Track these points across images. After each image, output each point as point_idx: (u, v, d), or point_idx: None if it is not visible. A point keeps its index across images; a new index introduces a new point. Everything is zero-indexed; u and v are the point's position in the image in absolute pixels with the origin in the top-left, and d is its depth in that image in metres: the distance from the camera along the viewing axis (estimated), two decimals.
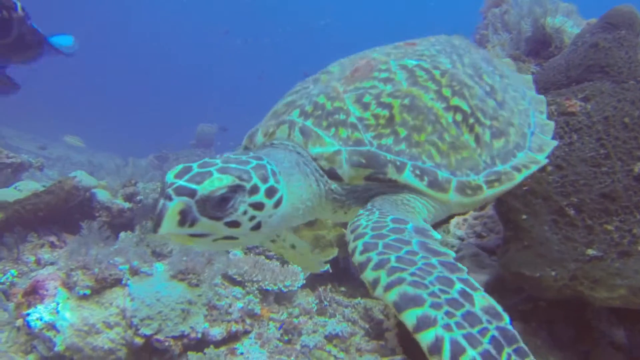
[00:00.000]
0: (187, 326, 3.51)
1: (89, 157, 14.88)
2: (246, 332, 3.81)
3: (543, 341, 1.97)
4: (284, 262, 4.63)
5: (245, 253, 4.72)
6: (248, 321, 3.82)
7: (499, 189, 1.83)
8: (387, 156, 1.72)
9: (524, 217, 2.33)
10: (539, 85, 3.28)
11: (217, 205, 1.50)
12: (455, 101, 1.89)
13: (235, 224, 1.55)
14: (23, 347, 3.44)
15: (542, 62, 4.31)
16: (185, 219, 1.46)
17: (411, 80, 1.90)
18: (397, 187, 1.75)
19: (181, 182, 1.48)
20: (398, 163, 1.71)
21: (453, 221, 3.12)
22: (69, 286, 3.62)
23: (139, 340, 3.41)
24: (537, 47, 4.51)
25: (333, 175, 1.78)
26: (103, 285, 3.61)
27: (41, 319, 3.43)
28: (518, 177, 1.87)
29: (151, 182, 6.59)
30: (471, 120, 1.89)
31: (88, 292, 3.55)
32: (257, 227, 1.60)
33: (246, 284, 4.09)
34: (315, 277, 4.44)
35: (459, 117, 1.86)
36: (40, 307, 3.49)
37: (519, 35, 4.69)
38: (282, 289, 4.13)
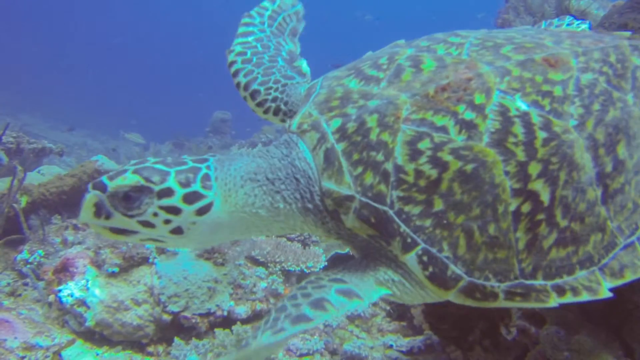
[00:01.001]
0: (213, 304, 3.57)
1: (105, 144, 15.05)
2: (270, 311, 3.87)
3: (575, 314, 1.99)
4: (305, 244, 4.68)
5: (267, 235, 4.79)
6: (272, 300, 3.89)
7: (519, 304, 1.50)
8: (400, 227, 1.46)
9: None
10: None
11: (123, 203, 1.52)
12: (537, 185, 1.45)
13: (148, 224, 1.55)
14: (56, 321, 3.53)
15: None
16: (100, 211, 1.52)
17: (497, 137, 1.45)
18: (396, 260, 1.53)
19: (102, 177, 1.54)
20: (409, 240, 1.46)
21: None
22: (98, 264, 3.70)
23: (167, 317, 3.49)
24: None
25: (335, 216, 1.59)
26: (131, 264, 3.69)
27: (72, 295, 3.52)
28: (552, 302, 1.47)
29: None
30: (540, 217, 1.46)
31: (116, 269, 3.63)
32: (177, 231, 1.57)
33: (269, 264, 4.15)
34: (337, 259, 4.49)
35: (526, 208, 1.45)
36: (70, 283, 3.58)
37: (543, 19, 4.66)
38: (305, 270, 4.19)
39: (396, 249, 1.48)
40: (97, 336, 3.52)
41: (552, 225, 1.45)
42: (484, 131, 1.45)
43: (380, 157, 1.49)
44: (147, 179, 1.52)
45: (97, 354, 3.41)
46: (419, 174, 1.45)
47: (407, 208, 1.46)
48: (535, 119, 1.47)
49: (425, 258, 1.45)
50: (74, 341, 2.83)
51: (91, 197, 1.53)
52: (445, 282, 1.46)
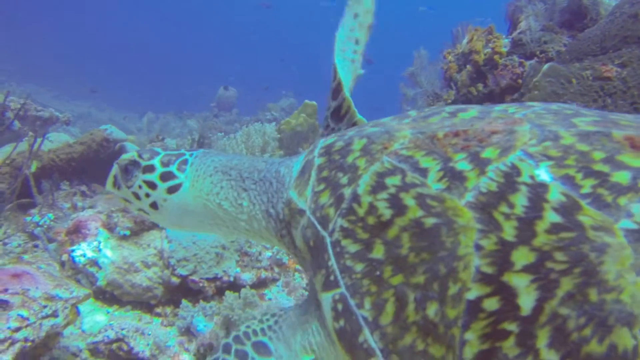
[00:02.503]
0: (220, 269, 3.70)
1: (111, 116, 15.09)
2: (274, 280, 4.01)
3: None
4: None
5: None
6: (276, 269, 4.02)
7: None
8: (330, 259, 1.26)
9: None
10: (571, 56, 3.34)
11: (123, 174, 1.80)
12: (518, 280, 0.98)
13: (137, 196, 1.79)
14: (70, 279, 3.66)
15: (575, 34, 4.34)
16: (115, 182, 1.85)
17: (485, 201, 1.07)
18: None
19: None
20: (332, 278, 1.25)
21: None
22: (110, 227, 3.82)
23: (175, 280, 3.62)
24: (572, 18, 4.53)
25: (289, 230, 1.54)
26: (141, 228, 3.81)
27: (84, 256, 3.65)
28: None
29: (178, 138, 6.75)
30: (509, 327, 0.98)
31: (128, 232, 3.75)
32: (154, 206, 1.79)
33: None
34: None
35: (490, 305, 1.00)
36: (83, 244, 3.70)
37: (554, 6, 4.71)
38: None
39: (318, 283, 1.30)
40: (107, 295, 3.65)
41: (524, 348, 0.96)
42: (471, 188, 1.09)
43: (344, 180, 1.32)
44: (139, 156, 1.79)
45: (108, 312, 3.55)
46: (371, 209, 1.21)
47: (344, 242, 1.24)
48: (554, 195, 1.00)
49: (339, 306, 1.21)
50: (90, 295, 2.95)
51: (113, 169, 1.85)
52: (353, 348, 1.19)
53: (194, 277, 3.63)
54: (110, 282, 3.59)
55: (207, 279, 3.66)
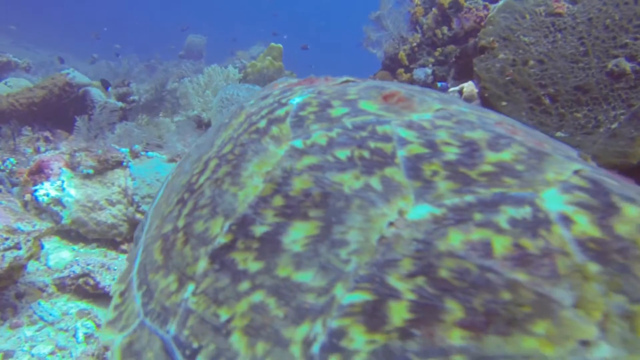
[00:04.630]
0: None
1: (75, 65, 14.58)
2: None
3: None
4: None
5: None
6: None
7: None
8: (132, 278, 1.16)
9: (504, 103, 2.55)
10: None
11: None
12: None
13: None
14: (34, 217, 3.68)
15: None
16: None
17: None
18: None
19: None
20: None
21: None
22: (73, 166, 3.82)
23: (140, 217, 3.67)
24: None
25: None
26: (105, 167, 3.82)
27: (48, 195, 3.65)
28: None
29: (143, 83, 6.63)
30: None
31: (91, 171, 3.75)
32: None
33: None
34: None
35: None
36: (46, 184, 3.70)
37: None
38: None
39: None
40: (73, 234, 3.69)
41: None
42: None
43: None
44: None
45: (74, 249, 3.60)
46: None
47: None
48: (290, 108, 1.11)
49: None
50: (53, 229, 2.99)
51: None
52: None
53: None
54: (74, 220, 3.62)
55: None
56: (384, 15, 5.81)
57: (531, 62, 2.69)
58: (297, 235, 0.85)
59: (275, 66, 5.55)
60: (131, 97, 6.17)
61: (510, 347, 0.65)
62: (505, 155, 0.84)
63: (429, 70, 5.12)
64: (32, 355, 2.69)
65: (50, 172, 3.79)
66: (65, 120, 6.17)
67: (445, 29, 5.29)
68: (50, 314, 2.97)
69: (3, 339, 2.68)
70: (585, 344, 0.63)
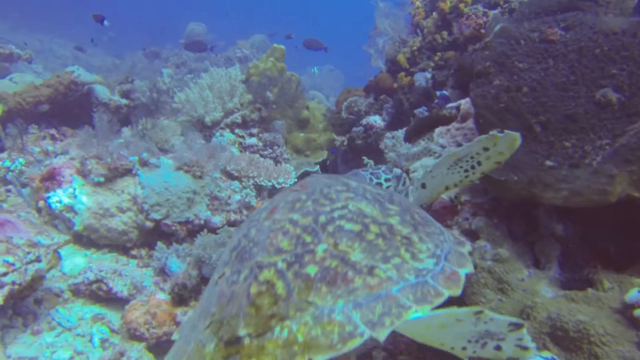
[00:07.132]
0: (191, 213, 3.93)
1: (72, 52, 14.56)
2: (243, 222, 4.26)
3: (502, 233, 2.42)
4: (277, 162, 5.02)
5: (241, 151, 5.11)
6: (245, 212, 4.27)
7: None
8: None
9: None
10: (530, 9, 3.51)
11: None
12: None
13: None
14: (48, 225, 3.84)
15: None
16: None
17: None
18: None
19: None
20: None
21: (437, 130, 3.49)
22: (84, 174, 3.96)
23: (149, 224, 3.84)
24: None
25: None
26: (115, 174, 3.96)
27: (60, 202, 3.81)
28: None
29: (146, 80, 6.72)
30: None
31: (102, 179, 3.90)
32: None
33: (243, 179, 4.49)
34: (305, 176, 4.86)
35: None
36: (58, 191, 3.85)
37: None
38: (276, 185, 4.55)
39: None
40: (85, 240, 3.86)
41: None
42: None
43: None
44: None
45: (86, 255, 3.77)
46: None
47: None
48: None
49: None
50: (70, 241, 3.16)
51: None
52: None
53: (167, 221, 3.85)
54: (86, 226, 3.78)
55: (179, 222, 3.89)
56: (381, 19, 5.91)
57: (524, 89, 2.83)
58: None
59: (277, 67, 5.65)
60: (135, 95, 6.28)
61: None
62: None
63: (428, 75, 5.24)
64: None
65: (62, 179, 3.93)
66: (70, 117, 6.28)
67: (445, 33, 5.39)
68: (68, 320, 3.15)
69: (26, 346, 2.87)
70: None
